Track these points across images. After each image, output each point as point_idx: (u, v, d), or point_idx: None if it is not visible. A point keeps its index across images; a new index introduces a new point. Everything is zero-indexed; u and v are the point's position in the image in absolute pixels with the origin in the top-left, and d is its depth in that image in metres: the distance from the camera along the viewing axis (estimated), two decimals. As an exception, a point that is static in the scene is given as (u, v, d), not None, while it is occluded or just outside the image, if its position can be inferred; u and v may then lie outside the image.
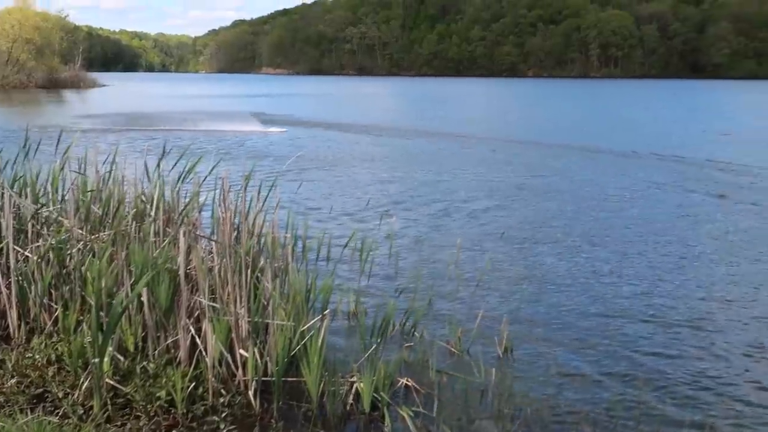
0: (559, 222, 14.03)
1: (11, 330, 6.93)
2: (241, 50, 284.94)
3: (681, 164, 23.21)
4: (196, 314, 6.52)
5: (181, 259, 6.21)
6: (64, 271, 7.01)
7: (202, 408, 5.78)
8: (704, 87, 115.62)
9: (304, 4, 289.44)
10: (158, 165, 7.86)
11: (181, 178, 7.75)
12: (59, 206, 8.03)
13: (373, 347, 6.50)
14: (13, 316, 6.89)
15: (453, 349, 7.38)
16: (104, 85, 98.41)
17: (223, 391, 5.96)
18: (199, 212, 7.62)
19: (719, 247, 12.14)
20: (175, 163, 8.16)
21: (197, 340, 6.18)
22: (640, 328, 8.22)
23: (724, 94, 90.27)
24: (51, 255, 7.00)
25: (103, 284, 5.97)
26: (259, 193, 7.31)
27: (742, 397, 6.51)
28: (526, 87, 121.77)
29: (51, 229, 7.54)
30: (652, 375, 6.93)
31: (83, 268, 6.82)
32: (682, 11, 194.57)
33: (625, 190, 18.06)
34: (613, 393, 6.51)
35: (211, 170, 7.72)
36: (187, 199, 7.39)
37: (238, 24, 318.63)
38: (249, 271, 6.41)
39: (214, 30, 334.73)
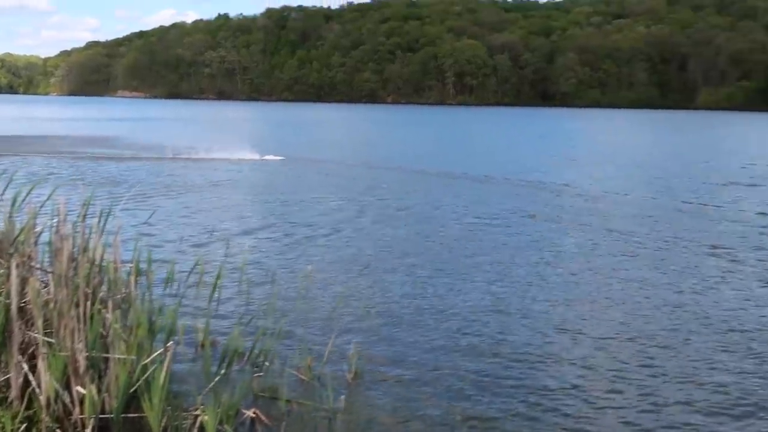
0: (412, 249, 14.18)
1: None
2: (94, 72, 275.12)
3: (532, 188, 24.17)
4: (30, 350, 6.17)
5: (13, 292, 5.88)
6: None
7: (35, 450, 5.48)
8: (553, 115, 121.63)
9: (161, 27, 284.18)
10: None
11: (16, 206, 7.32)
12: None
13: (217, 378, 6.36)
14: None
15: (303, 377, 7.32)
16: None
17: (58, 431, 5.66)
18: (36, 242, 7.23)
19: (564, 272, 12.56)
20: (4, 190, 7.69)
21: (31, 377, 5.85)
22: (484, 358, 8.25)
23: (571, 122, 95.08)
24: None
25: None
26: (99, 221, 7.02)
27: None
28: (385, 113, 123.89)
29: None
30: (493, 406, 6.97)
31: None
32: (532, 42, 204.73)
33: (478, 216, 18.50)
34: (454, 427, 6.52)
35: (48, 197, 7.35)
36: (21, 229, 7.00)
37: (91, 45, 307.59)
38: (88, 303, 6.13)
39: (66, 51, 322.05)
